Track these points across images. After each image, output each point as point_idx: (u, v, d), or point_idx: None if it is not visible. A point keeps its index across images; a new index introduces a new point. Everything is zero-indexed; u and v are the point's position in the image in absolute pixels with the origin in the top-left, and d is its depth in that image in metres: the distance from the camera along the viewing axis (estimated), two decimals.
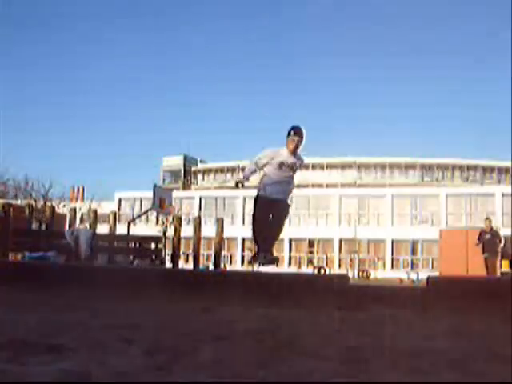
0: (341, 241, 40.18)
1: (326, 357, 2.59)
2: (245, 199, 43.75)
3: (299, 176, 5.78)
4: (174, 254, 18.12)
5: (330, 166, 55.80)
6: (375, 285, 11.54)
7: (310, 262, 40.39)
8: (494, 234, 12.44)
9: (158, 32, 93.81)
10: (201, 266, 22.31)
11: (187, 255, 32.66)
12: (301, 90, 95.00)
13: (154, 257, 17.04)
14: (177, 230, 18.28)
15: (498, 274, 13.22)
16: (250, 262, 6.29)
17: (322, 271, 33.60)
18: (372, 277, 32.22)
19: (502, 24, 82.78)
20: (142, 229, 30.61)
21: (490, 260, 12.18)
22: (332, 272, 32.59)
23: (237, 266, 41.31)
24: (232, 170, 59.47)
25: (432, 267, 34.36)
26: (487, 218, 13.22)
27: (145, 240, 18.64)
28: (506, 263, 28.68)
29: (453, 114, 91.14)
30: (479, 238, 12.47)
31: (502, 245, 12.25)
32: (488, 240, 12.25)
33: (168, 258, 20.23)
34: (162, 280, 5.76)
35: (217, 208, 44.15)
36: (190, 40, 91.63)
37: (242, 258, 42.75)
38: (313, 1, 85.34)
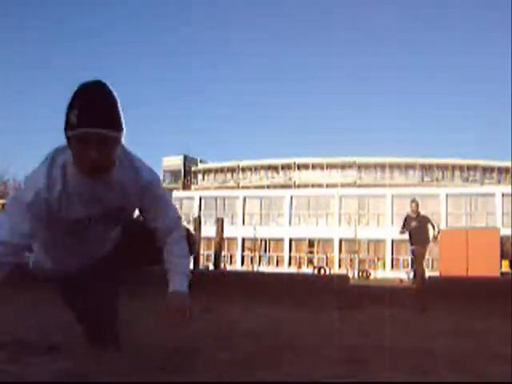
0: (341, 241, 40.17)
1: (326, 357, 2.59)
2: (245, 199, 43.76)
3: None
4: None
5: (329, 166, 55.73)
6: (375, 285, 11.56)
7: (310, 261, 40.38)
8: (422, 220, 10.30)
9: (158, 31, 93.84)
10: (201, 266, 22.28)
11: None
12: (301, 90, 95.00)
13: None
14: None
15: (425, 265, 10.73)
16: None
17: (322, 271, 33.58)
18: (372, 277, 32.20)
19: (502, 23, 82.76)
20: None
21: (419, 251, 10.11)
22: (332, 272, 32.58)
23: (237, 266, 41.28)
24: (232, 170, 59.45)
25: (432, 267, 34.34)
26: (413, 201, 10.61)
27: None
28: (506, 263, 28.70)
29: (453, 114, 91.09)
30: (404, 226, 10.33)
31: (435, 232, 10.29)
32: (415, 228, 10.10)
33: None
34: (161, 280, 5.76)
35: (217, 208, 44.09)
36: (190, 38, 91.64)
37: (242, 258, 42.75)
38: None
